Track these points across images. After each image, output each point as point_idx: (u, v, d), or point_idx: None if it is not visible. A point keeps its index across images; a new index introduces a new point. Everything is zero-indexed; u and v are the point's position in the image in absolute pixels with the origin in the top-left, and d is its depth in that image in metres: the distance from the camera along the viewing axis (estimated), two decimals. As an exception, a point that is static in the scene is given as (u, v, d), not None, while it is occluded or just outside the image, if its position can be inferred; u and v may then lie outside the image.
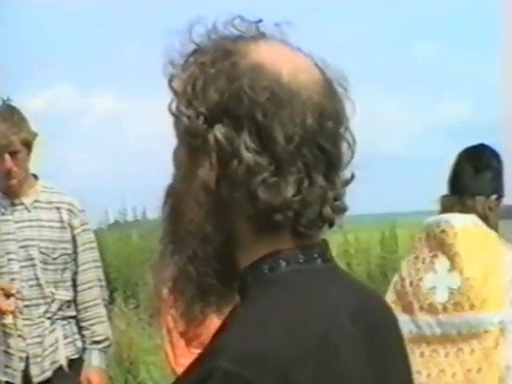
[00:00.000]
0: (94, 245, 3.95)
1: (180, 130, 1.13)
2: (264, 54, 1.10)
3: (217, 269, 1.13)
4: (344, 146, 1.13)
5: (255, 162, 1.06)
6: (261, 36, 1.14)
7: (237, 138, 1.06)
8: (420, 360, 2.97)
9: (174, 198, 1.16)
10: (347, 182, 1.14)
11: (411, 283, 3.06)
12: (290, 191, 1.07)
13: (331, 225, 1.13)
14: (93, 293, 3.90)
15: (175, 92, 1.13)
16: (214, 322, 3.92)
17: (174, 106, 1.13)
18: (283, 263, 1.10)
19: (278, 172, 1.06)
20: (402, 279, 3.10)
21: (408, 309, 3.05)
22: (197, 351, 4.01)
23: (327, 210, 1.10)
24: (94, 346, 3.87)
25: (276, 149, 1.06)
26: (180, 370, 3.95)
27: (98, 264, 3.96)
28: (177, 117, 1.12)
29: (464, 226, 3.01)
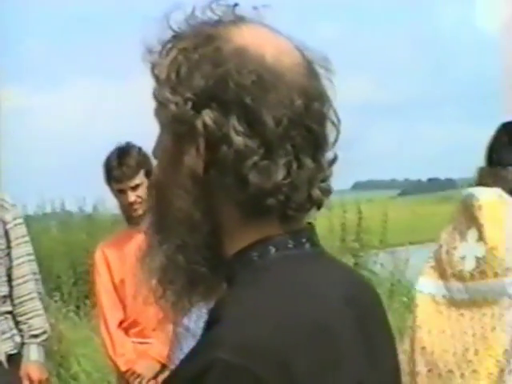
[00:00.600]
0: (27, 239, 3.91)
1: (164, 118, 1.11)
2: (246, 38, 1.09)
3: (206, 257, 1.12)
4: (329, 126, 1.12)
5: (245, 145, 1.05)
6: (240, 19, 1.13)
7: (226, 123, 1.05)
8: (447, 322, 3.15)
9: (159, 186, 1.14)
10: (331, 163, 1.14)
11: (447, 251, 3.22)
12: (280, 174, 1.06)
13: (319, 207, 1.13)
14: (28, 287, 3.87)
15: (158, 79, 1.11)
16: (154, 312, 3.94)
17: (157, 93, 1.11)
18: (272, 249, 1.09)
19: (267, 155, 1.06)
20: (440, 247, 3.28)
21: (443, 275, 3.21)
22: (136, 340, 4.01)
23: (316, 192, 1.10)
24: (33, 340, 3.84)
25: (265, 132, 1.05)
26: (119, 360, 3.95)
27: (32, 258, 3.92)
28: (162, 104, 1.10)
29: (488, 198, 3.15)
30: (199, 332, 3.87)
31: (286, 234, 1.10)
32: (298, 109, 1.07)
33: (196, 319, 3.37)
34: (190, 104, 1.07)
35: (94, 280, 4.19)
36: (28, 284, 3.86)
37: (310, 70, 1.11)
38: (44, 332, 3.89)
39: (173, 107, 1.08)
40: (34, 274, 3.91)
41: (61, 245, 10.96)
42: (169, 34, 1.13)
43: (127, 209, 4.00)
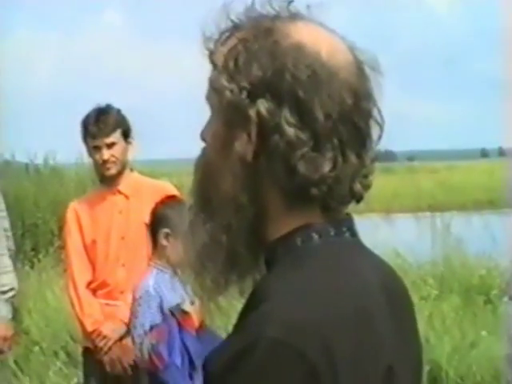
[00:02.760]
0: None
1: (218, 103, 1.15)
2: (303, 34, 1.13)
3: (248, 238, 1.16)
4: (374, 126, 1.17)
5: (296, 136, 1.09)
6: (296, 16, 1.17)
7: (278, 114, 1.09)
8: None
9: (207, 168, 1.18)
10: (374, 160, 1.18)
11: None
12: (326, 167, 1.11)
13: (359, 200, 1.18)
14: None
15: (215, 66, 1.15)
16: (123, 274, 3.93)
17: (213, 79, 1.15)
18: (315, 236, 1.14)
19: (316, 147, 1.10)
20: None
21: None
22: (103, 301, 4.00)
23: (357, 187, 1.15)
24: (0, 297, 3.81)
25: (315, 125, 1.10)
26: (86, 320, 3.94)
27: (3, 214, 3.88)
28: (218, 90, 1.14)
29: None
30: (157, 297, 3.88)
31: (327, 223, 1.15)
32: (348, 106, 1.12)
33: (154, 284, 3.37)
34: (245, 92, 1.11)
35: (64, 239, 4.15)
36: None
37: (360, 70, 1.16)
38: (12, 289, 3.86)
39: (228, 94, 1.12)
40: (5, 230, 3.87)
41: (9, 197, 10.85)
42: (227, 24, 1.17)
43: (101, 167, 3.97)
